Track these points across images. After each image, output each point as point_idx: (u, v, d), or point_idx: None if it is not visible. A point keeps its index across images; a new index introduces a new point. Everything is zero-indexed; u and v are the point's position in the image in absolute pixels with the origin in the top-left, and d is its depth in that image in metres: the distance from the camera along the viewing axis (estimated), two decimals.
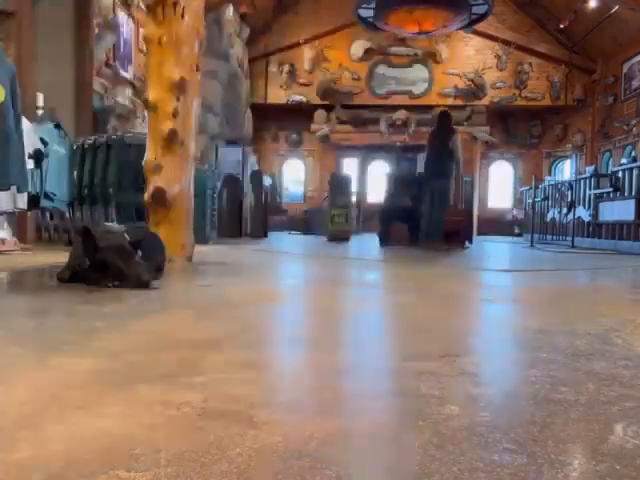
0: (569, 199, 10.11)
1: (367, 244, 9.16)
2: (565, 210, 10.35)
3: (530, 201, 11.85)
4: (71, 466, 0.72)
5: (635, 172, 8.35)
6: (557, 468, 0.76)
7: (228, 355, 1.34)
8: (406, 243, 8.35)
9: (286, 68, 16.77)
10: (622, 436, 0.88)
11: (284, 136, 17.91)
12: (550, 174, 16.38)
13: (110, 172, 6.02)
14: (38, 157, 4.51)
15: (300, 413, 0.96)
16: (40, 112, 5.76)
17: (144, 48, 5.55)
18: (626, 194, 8.57)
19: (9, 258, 4.30)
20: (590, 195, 9.63)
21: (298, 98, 16.88)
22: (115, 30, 8.92)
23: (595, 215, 9.42)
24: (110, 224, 3.11)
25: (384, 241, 8.35)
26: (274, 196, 15.75)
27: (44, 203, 5.01)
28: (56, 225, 6.27)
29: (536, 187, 11.40)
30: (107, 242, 2.57)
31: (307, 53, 16.70)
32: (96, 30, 8.16)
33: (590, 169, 10.63)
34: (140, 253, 2.82)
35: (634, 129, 13.79)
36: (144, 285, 2.48)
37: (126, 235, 2.70)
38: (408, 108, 16.47)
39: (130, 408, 0.95)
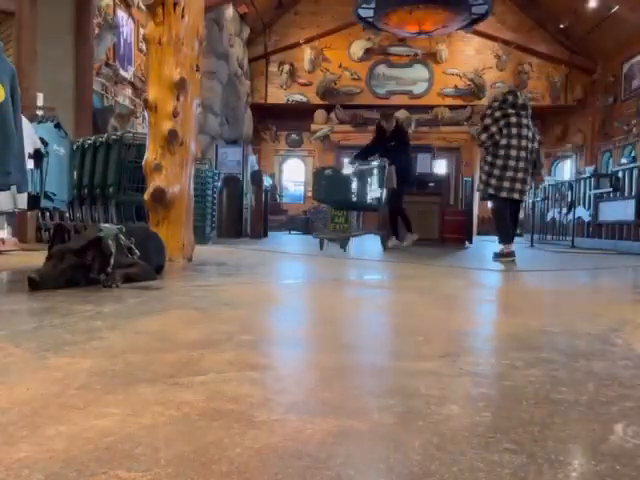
0: (569, 199, 10.11)
1: (367, 244, 9.16)
2: (565, 210, 10.35)
3: (530, 201, 11.85)
4: (71, 466, 0.72)
5: (635, 172, 8.35)
6: (557, 468, 0.76)
7: (228, 355, 1.34)
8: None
9: (286, 68, 16.78)
10: (622, 436, 0.88)
11: (284, 136, 17.91)
12: (550, 174, 16.38)
13: (110, 172, 6.02)
14: (38, 157, 4.51)
15: (300, 413, 0.96)
16: (40, 112, 5.76)
17: (144, 48, 5.55)
18: (626, 194, 8.57)
19: (9, 258, 4.30)
20: (590, 195, 9.63)
21: (298, 98, 16.88)
22: (115, 30, 8.92)
23: (595, 215, 9.43)
24: (105, 224, 3.08)
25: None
26: (274, 196, 15.74)
27: (44, 203, 5.01)
28: (62, 224, 6.26)
29: (536, 187, 11.39)
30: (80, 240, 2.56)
31: (307, 53, 16.71)
32: (96, 30, 8.17)
33: (590, 169, 10.63)
34: (138, 252, 2.82)
35: (634, 129, 13.80)
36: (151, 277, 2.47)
37: (100, 233, 2.65)
38: (408, 108, 16.47)
39: (130, 408, 0.95)
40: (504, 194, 5.15)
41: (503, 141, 5.12)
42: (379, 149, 7.00)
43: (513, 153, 5.13)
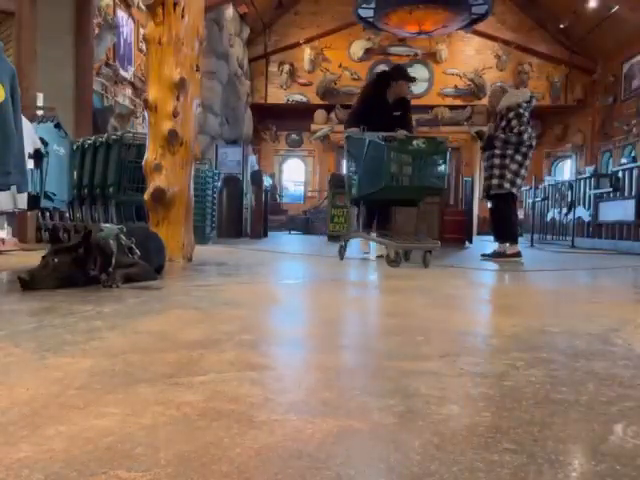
0: (569, 199, 10.11)
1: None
2: (565, 210, 10.35)
3: (530, 201, 11.86)
4: (71, 466, 0.72)
5: (635, 172, 8.35)
6: (557, 468, 0.76)
7: (228, 355, 1.34)
8: None
9: (286, 68, 16.78)
10: (622, 436, 0.88)
11: (284, 136, 17.92)
12: (550, 174, 16.38)
13: (110, 172, 6.02)
14: (38, 157, 4.51)
15: (300, 413, 0.96)
16: (40, 112, 5.76)
17: (144, 48, 5.55)
18: (626, 194, 8.57)
19: (9, 258, 4.30)
20: (590, 195, 9.63)
21: (298, 98, 16.88)
22: (115, 30, 8.92)
23: (595, 215, 9.42)
24: (106, 224, 3.08)
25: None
26: (274, 196, 15.74)
27: (44, 203, 5.01)
28: (55, 225, 6.27)
29: (536, 187, 11.41)
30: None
31: (307, 53, 16.71)
32: (96, 30, 8.17)
33: (590, 169, 10.62)
34: (139, 252, 2.82)
35: (634, 129, 13.79)
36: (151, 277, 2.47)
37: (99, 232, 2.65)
38: None
39: (130, 408, 0.95)
40: (515, 190, 5.37)
41: (532, 142, 5.41)
42: (384, 118, 5.06)
43: (529, 153, 5.39)
